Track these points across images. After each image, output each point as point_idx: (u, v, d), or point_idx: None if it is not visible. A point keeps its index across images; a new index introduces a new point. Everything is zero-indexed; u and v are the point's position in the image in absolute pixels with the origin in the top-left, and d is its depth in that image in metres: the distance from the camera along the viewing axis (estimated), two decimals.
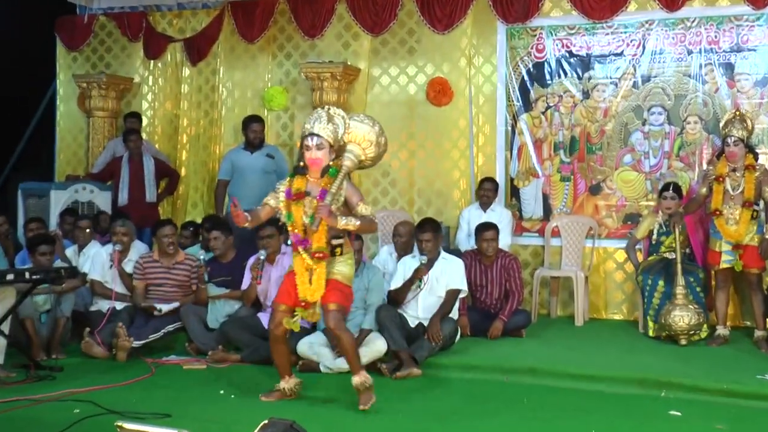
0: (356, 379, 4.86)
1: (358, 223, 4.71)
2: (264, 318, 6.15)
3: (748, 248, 6.36)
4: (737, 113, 6.51)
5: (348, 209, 4.81)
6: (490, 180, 7.73)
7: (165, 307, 6.42)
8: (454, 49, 8.30)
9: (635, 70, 7.69)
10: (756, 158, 6.50)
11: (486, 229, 6.75)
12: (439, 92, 8.29)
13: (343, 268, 4.88)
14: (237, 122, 8.51)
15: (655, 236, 6.92)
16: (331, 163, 4.79)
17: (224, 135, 9.05)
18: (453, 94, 8.27)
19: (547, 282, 7.82)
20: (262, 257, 6.06)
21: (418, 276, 6.15)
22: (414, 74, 8.46)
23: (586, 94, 7.86)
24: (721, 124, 6.58)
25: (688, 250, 6.81)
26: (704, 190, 6.56)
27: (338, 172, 4.76)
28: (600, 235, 7.78)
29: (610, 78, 7.79)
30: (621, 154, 7.78)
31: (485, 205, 7.60)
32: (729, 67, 7.43)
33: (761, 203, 6.42)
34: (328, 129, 4.76)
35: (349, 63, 8.49)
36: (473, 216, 7.58)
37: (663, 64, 7.63)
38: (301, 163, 4.85)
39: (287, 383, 5.01)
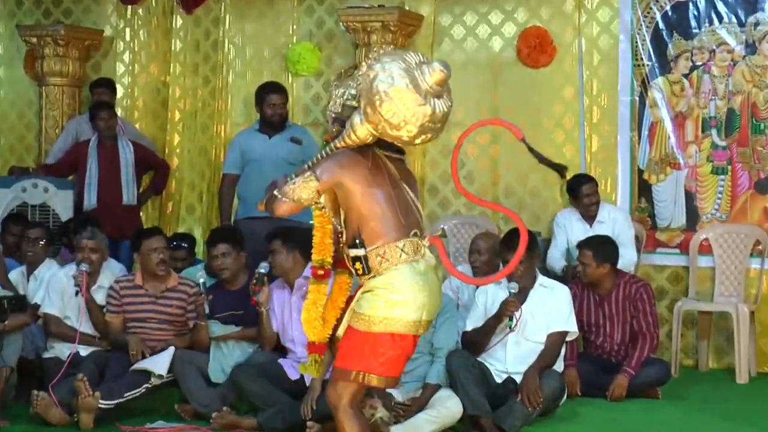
0: None
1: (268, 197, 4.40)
2: (286, 365, 6.19)
3: None
4: None
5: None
6: (590, 178, 7.66)
7: (163, 368, 6.31)
8: None
9: None
10: None
11: (580, 247, 6.81)
12: (535, 48, 8.31)
13: (366, 303, 4.12)
14: (249, 93, 8.54)
15: None
16: (325, 135, 4.62)
17: (231, 111, 9.14)
18: (555, 50, 8.30)
19: (693, 319, 7.79)
20: (263, 270, 6.09)
21: (506, 312, 6.11)
22: (499, 23, 8.48)
23: (752, 48, 7.83)
24: None
25: None
26: None
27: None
28: None
29: None
30: None
31: (591, 219, 7.56)
32: None
33: None
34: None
35: (407, 8, 8.53)
36: (575, 228, 7.54)
37: None
38: None
39: None
